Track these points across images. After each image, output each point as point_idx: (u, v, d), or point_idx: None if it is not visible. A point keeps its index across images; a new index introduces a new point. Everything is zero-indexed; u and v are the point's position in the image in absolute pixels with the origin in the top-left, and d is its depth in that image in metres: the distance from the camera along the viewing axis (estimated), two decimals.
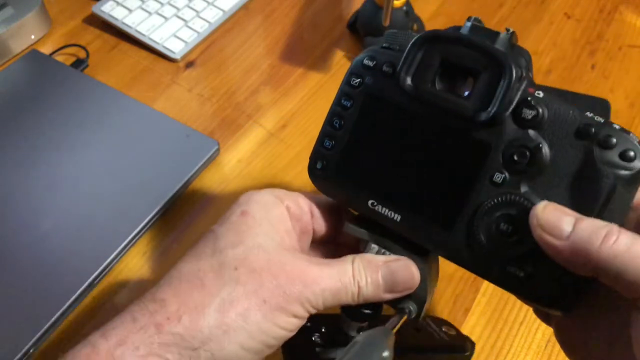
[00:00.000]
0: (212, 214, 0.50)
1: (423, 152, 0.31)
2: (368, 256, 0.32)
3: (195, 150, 0.52)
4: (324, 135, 0.33)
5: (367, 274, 0.31)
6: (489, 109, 0.28)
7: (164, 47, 0.61)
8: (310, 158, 0.34)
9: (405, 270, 0.32)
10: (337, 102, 0.33)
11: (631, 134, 0.27)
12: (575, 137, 0.28)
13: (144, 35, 0.62)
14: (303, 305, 0.30)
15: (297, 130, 0.56)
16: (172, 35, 0.62)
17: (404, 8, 0.59)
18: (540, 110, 0.28)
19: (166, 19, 0.64)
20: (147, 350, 0.28)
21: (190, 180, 0.51)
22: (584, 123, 0.28)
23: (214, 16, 0.64)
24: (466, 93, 0.30)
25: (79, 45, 0.61)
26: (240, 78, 0.60)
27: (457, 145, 0.30)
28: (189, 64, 0.61)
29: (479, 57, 0.29)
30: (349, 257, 0.32)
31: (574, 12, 0.67)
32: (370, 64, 0.32)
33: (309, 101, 0.58)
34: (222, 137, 0.55)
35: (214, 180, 0.52)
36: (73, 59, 0.60)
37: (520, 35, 0.63)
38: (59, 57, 0.61)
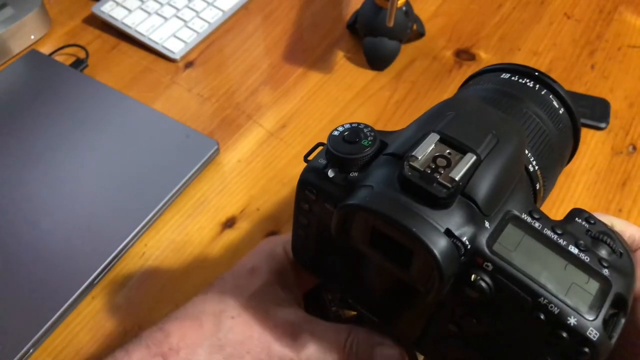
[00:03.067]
0: (211, 214, 0.50)
1: (383, 280, 0.30)
2: (364, 332, 0.33)
3: (195, 150, 0.52)
4: (296, 226, 0.33)
5: (360, 351, 0.32)
6: (428, 287, 0.26)
7: (164, 47, 0.61)
8: (292, 239, 0.34)
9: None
10: (296, 211, 0.31)
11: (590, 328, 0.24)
12: (526, 317, 0.25)
13: (143, 35, 0.62)
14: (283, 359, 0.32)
15: (297, 130, 0.56)
16: (172, 36, 0.62)
17: (404, 8, 0.59)
18: (485, 288, 0.25)
19: (166, 19, 0.64)
20: None
21: (190, 180, 0.51)
22: (536, 304, 0.24)
23: (213, 16, 0.64)
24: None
25: (79, 45, 0.61)
26: (240, 78, 0.60)
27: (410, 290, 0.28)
28: (189, 64, 0.61)
29: (404, 237, 0.25)
30: (345, 328, 0.33)
31: (574, 12, 0.67)
32: (313, 197, 0.29)
33: (309, 101, 0.58)
34: (222, 137, 0.55)
35: (214, 180, 0.52)
36: (73, 59, 0.60)
37: (520, 35, 0.63)
38: (58, 57, 0.61)
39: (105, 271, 0.45)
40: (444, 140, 0.27)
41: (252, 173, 0.53)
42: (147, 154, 0.52)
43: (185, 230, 0.49)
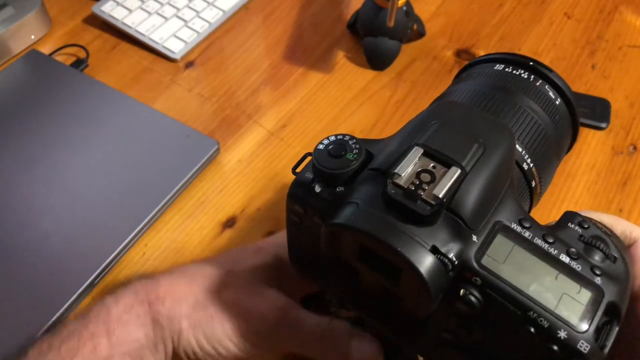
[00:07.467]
0: (212, 214, 0.50)
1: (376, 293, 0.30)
2: (343, 324, 0.33)
3: (195, 150, 0.52)
4: (289, 235, 0.33)
5: (337, 342, 0.33)
6: (417, 301, 0.26)
7: (164, 47, 0.61)
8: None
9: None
10: (288, 222, 0.32)
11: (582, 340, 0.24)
12: (516, 330, 0.25)
13: (144, 35, 0.62)
14: (260, 336, 0.33)
15: (297, 130, 0.56)
16: (172, 35, 0.62)
17: (404, 8, 0.59)
18: (475, 302, 0.25)
19: (166, 19, 0.64)
20: (143, 321, 0.33)
21: (190, 180, 0.51)
22: (526, 317, 0.24)
23: (214, 16, 0.64)
24: None
25: (79, 45, 0.61)
26: (240, 78, 0.60)
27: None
28: (189, 64, 0.61)
29: (390, 255, 0.25)
30: (325, 319, 0.33)
31: (574, 12, 0.67)
32: (302, 211, 0.29)
33: (309, 101, 0.58)
34: (222, 137, 0.55)
35: (214, 180, 0.52)
36: (73, 59, 0.60)
37: (520, 35, 0.63)
38: (59, 57, 0.61)
39: (105, 271, 0.45)
40: (427, 154, 0.26)
41: (252, 173, 0.53)
42: (147, 154, 0.52)
43: (186, 230, 0.49)
